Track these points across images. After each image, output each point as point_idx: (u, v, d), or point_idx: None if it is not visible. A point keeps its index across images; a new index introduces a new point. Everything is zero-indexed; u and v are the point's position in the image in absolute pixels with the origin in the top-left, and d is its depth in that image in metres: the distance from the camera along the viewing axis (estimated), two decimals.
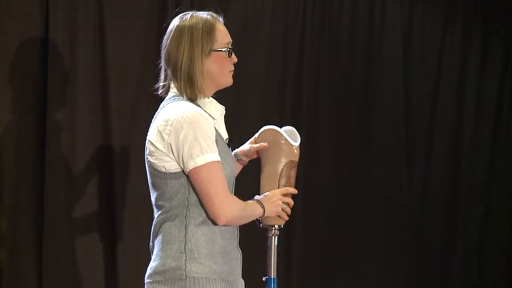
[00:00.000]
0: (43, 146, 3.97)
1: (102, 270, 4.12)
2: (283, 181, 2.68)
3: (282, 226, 2.70)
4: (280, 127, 2.74)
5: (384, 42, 4.77)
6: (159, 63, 2.60)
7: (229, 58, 2.57)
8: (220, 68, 2.56)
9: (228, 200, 2.48)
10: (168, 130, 2.47)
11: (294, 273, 4.59)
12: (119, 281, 4.14)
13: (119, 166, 4.13)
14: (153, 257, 2.57)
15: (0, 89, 3.90)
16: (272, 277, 2.69)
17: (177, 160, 2.47)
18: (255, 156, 2.77)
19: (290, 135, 2.72)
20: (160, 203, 2.54)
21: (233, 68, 2.60)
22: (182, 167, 2.47)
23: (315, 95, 4.64)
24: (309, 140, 4.56)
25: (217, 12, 2.61)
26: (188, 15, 2.56)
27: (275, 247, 2.70)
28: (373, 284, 4.78)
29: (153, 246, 2.58)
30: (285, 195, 2.66)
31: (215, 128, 2.53)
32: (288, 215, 2.67)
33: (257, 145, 2.73)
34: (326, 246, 4.66)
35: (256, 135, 2.77)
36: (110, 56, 4.10)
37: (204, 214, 2.50)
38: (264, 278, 2.70)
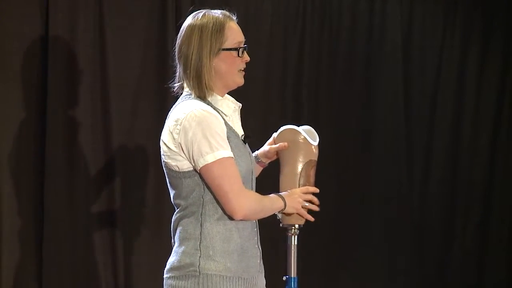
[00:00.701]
0: (43, 146, 3.97)
1: (102, 270, 4.11)
2: (302, 181, 2.71)
3: (302, 226, 2.71)
4: (298, 126, 2.75)
5: (384, 42, 4.78)
6: (175, 62, 2.61)
7: (240, 58, 2.57)
8: (229, 67, 2.56)
9: (243, 193, 2.48)
10: (178, 129, 2.48)
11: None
12: (119, 281, 4.14)
13: (119, 166, 4.13)
14: (172, 253, 2.59)
15: (0, 89, 3.90)
16: (293, 276, 2.69)
17: (189, 159, 2.48)
18: (275, 157, 2.78)
19: (309, 134, 2.74)
20: (177, 201, 2.57)
21: (243, 67, 2.60)
22: (194, 165, 2.48)
23: (315, 95, 4.64)
24: None
25: (230, 11, 2.62)
26: (200, 13, 2.58)
27: (295, 246, 2.71)
28: (374, 283, 4.78)
29: (174, 242, 2.61)
30: (305, 193, 2.68)
31: (227, 124, 2.54)
32: (312, 213, 2.68)
33: (277, 145, 2.75)
34: (326, 246, 4.66)
35: (275, 135, 2.78)
36: (110, 56, 4.10)
37: (220, 212, 2.52)
38: (284, 278, 2.70)
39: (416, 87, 4.88)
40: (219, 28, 2.54)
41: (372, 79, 4.77)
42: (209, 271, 2.49)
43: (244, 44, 2.59)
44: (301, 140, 2.72)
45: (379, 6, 4.75)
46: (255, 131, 4.41)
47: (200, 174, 2.49)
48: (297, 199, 2.66)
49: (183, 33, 2.57)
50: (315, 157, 2.75)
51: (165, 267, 2.59)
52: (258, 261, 2.62)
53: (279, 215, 2.68)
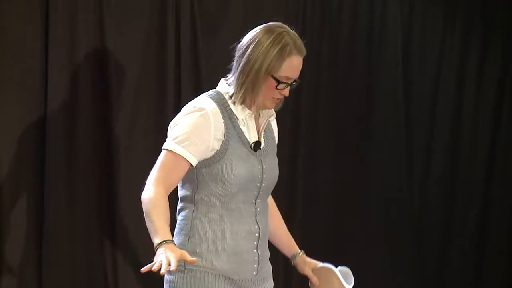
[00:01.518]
0: (43, 146, 3.97)
1: (102, 270, 4.11)
2: None
3: None
4: (336, 267, 2.78)
5: (384, 42, 4.77)
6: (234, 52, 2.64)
7: (279, 90, 2.58)
8: (266, 91, 2.57)
9: (150, 186, 2.54)
10: (179, 115, 2.57)
11: (295, 273, 4.58)
12: (119, 281, 4.13)
13: (119, 166, 4.13)
14: None
15: (0, 89, 3.90)
16: None
17: None
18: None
19: (344, 276, 2.75)
20: (178, 192, 2.65)
21: (279, 97, 2.61)
22: None
23: (315, 95, 4.63)
24: (309, 139, 4.56)
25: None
26: (277, 29, 2.58)
27: None
28: (374, 283, 4.77)
29: None
30: (173, 255, 2.39)
31: (236, 128, 2.56)
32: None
33: (312, 276, 2.82)
34: (326, 246, 4.66)
35: (318, 265, 2.83)
36: (110, 56, 4.10)
37: (213, 212, 2.55)
38: None
39: (416, 87, 4.88)
40: (282, 56, 2.55)
41: (372, 79, 4.77)
42: (194, 267, 2.52)
43: (293, 82, 2.60)
44: (335, 282, 2.75)
45: (379, 6, 4.75)
46: None
47: (195, 170, 2.54)
48: (162, 253, 2.37)
49: (254, 37, 2.58)
50: None
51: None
52: (255, 265, 2.62)
53: None
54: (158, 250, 2.37)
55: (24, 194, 3.96)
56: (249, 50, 2.55)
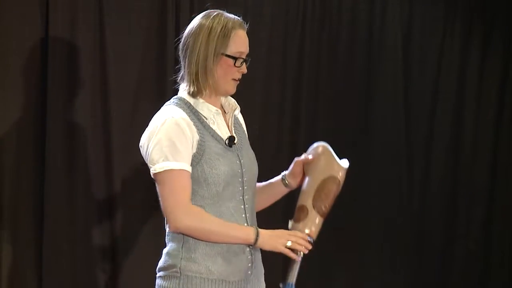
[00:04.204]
0: (43, 146, 3.97)
1: (102, 270, 4.12)
2: (318, 194, 2.67)
3: (313, 241, 2.66)
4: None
5: (384, 42, 4.78)
6: (177, 53, 2.65)
7: (237, 67, 2.59)
8: (224, 73, 2.58)
9: (184, 209, 2.48)
10: (146, 135, 2.57)
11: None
12: (119, 281, 4.14)
13: (119, 166, 4.13)
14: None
15: (0, 89, 3.90)
16: (291, 282, 2.63)
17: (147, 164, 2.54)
18: (299, 178, 2.76)
19: (341, 162, 2.76)
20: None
21: (238, 77, 2.62)
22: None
23: (315, 95, 4.64)
24: (308, 139, 4.55)
25: (244, 20, 2.63)
26: (214, 13, 2.59)
27: (301, 256, 2.63)
28: (374, 285, 4.78)
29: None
30: (292, 235, 2.59)
31: (207, 128, 2.56)
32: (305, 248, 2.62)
33: (301, 157, 2.76)
34: (326, 246, 4.66)
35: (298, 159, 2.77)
36: (110, 56, 4.10)
37: None
38: (281, 285, 2.65)
39: (416, 86, 4.88)
40: (226, 32, 2.56)
41: (372, 78, 4.77)
42: (190, 273, 2.52)
43: (246, 57, 2.60)
44: (328, 156, 2.74)
45: (379, 6, 4.75)
46: (254, 131, 4.44)
47: None
48: (278, 240, 2.56)
49: (192, 27, 2.59)
50: (340, 176, 2.72)
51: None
52: (249, 264, 2.62)
53: (290, 225, 2.66)
54: (263, 239, 2.50)
55: (24, 194, 3.96)
56: (192, 40, 2.56)
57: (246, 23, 2.64)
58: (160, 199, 2.52)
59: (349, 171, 4.70)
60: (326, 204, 2.69)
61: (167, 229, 2.60)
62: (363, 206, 4.76)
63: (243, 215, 2.62)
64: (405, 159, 4.85)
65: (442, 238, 4.94)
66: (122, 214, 4.14)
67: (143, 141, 2.57)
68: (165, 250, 2.60)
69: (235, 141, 2.63)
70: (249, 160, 2.68)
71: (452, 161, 4.95)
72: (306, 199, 2.68)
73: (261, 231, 2.56)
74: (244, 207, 2.62)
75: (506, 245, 5.03)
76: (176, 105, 2.57)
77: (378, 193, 4.78)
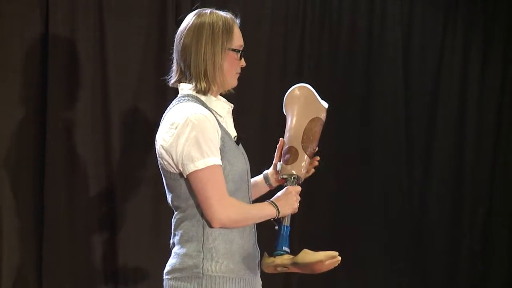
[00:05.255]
0: (43, 146, 3.97)
1: (102, 270, 4.12)
2: (307, 135, 2.72)
3: (300, 178, 2.73)
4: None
5: (384, 42, 4.78)
6: (171, 55, 2.64)
7: (239, 61, 2.60)
8: (230, 68, 2.59)
9: (225, 202, 2.48)
10: (172, 132, 2.49)
11: (294, 273, 4.58)
12: (119, 281, 4.14)
13: (119, 166, 4.13)
14: (172, 255, 2.60)
15: (0, 88, 3.90)
16: (286, 224, 2.68)
17: (175, 162, 2.48)
18: (280, 179, 2.79)
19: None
20: (176, 204, 2.58)
21: (239, 71, 2.63)
22: (181, 169, 2.48)
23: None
24: None
25: (235, 15, 2.64)
26: (207, 11, 2.60)
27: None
28: (375, 284, 4.77)
29: (173, 244, 2.61)
30: (294, 194, 2.67)
31: (222, 126, 2.55)
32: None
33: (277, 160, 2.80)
34: (326, 246, 4.65)
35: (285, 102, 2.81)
36: (110, 56, 4.10)
37: None
38: (276, 227, 2.68)
39: (416, 87, 4.88)
40: (228, 27, 2.57)
41: (372, 79, 4.77)
42: (212, 273, 2.51)
43: (242, 50, 2.62)
44: (311, 97, 2.77)
45: (379, 6, 4.75)
46: (254, 131, 4.44)
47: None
48: (291, 199, 2.66)
49: (189, 28, 2.56)
50: (323, 116, 2.77)
51: (164, 268, 2.59)
52: (257, 261, 2.65)
53: (279, 167, 2.73)
54: (281, 208, 2.59)
55: (24, 194, 3.96)
56: (193, 39, 2.54)
57: (238, 18, 2.66)
58: (198, 196, 2.48)
59: (349, 171, 4.75)
60: (314, 145, 2.77)
61: (179, 230, 2.57)
62: (364, 206, 4.76)
63: None
64: (406, 159, 4.85)
65: (442, 238, 4.94)
66: (122, 214, 4.14)
67: (170, 140, 2.48)
68: (179, 251, 2.55)
69: (242, 139, 2.65)
70: (247, 158, 2.70)
71: (453, 161, 4.95)
72: (293, 141, 2.73)
73: (275, 202, 2.62)
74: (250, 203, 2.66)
75: (506, 244, 5.02)
76: (193, 102, 2.55)
77: (379, 193, 4.78)
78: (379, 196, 4.79)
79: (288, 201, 2.65)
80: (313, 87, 2.88)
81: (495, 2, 4.98)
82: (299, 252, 2.62)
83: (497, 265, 5.01)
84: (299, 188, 2.70)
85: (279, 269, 2.65)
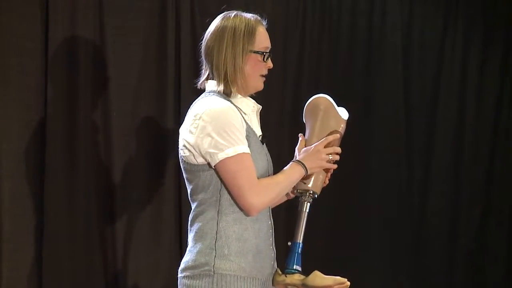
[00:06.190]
0: (43, 146, 3.97)
1: (102, 270, 4.11)
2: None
3: (316, 195, 2.73)
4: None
5: (384, 42, 4.78)
6: (200, 58, 2.66)
7: (264, 63, 2.63)
8: (252, 70, 2.61)
9: (256, 190, 2.49)
10: (196, 124, 2.51)
11: None
12: (119, 281, 4.14)
13: (119, 166, 4.13)
14: (186, 252, 2.60)
15: (0, 88, 3.90)
16: (299, 241, 2.66)
17: (203, 153, 2.50)
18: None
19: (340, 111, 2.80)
20: (194, 197, 2.58)
21: (265, 73, 2.66)
22: (209, 160, 2.50)
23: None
24: None
25: (261, 16, 2.66)
26: (231, 14, 2.63)
27: (306, 213, 2.70)
28: (374, 284, 4.77)
29: (189, 241, 2.61)
30: (327, 146, 2.71)
31: (247, 123, 2.57)
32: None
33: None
34: (326, 246, 4.66)
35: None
36: (110, 56, 4.10)
37: (237, 210, 2.53)
38: (289, 243, 2.67)
39: (416, 87, 4.88)
40: (251, 29, 2.60)
41: (372, 79, 4.77)
42: (224, 271, 2.50)
43: (269, 51, 2.64)
44: (330, 109, 2.81)
45: (379, 6, 4.75)
46: None
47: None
48: (318, 156, 2.68)
49: (213, 31, 2.61)
50: (341, 129, 2.83)
51: (178, 266, 2.60)
52: (272, 262, 2.64)
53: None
54: (309, 166, 2.62)
55: (24, 194, 3.96)
56: (216, 42, 2.58)
57: (264, 20, 2.68)
58: (229, 185, 2.49)
59: (350, 171, 4.74)
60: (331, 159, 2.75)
61: (194, 227, 2.56)
62: (364, 206, 4.75)
63: (268, 213, 2.66)
64: (406, 159, 4.84)
65: (442, 238, 4.94)
66: (122, 214, 4.14)
67: (195, 132, 2.50)
68: (193, 248, 2.55)
69: (266, 139, 2.67)
70: (270, 158, 2.71)
71: (453, 161, 4.95)
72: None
73: (301, 159, 2.64)
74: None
75: (504, 244, 5.02)
76: (220, 97, 2.57)
77: (379, 193, 4.78)
78: (379, 196, 4.78)
79: (316, 157, 2.67)
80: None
81: (495, 2, 4.98)
82: (310, 273, 2.62)
83: (494, 265, 5.00)
84: (329, 149, 2.72)
85: (289, 287, 2.65)
